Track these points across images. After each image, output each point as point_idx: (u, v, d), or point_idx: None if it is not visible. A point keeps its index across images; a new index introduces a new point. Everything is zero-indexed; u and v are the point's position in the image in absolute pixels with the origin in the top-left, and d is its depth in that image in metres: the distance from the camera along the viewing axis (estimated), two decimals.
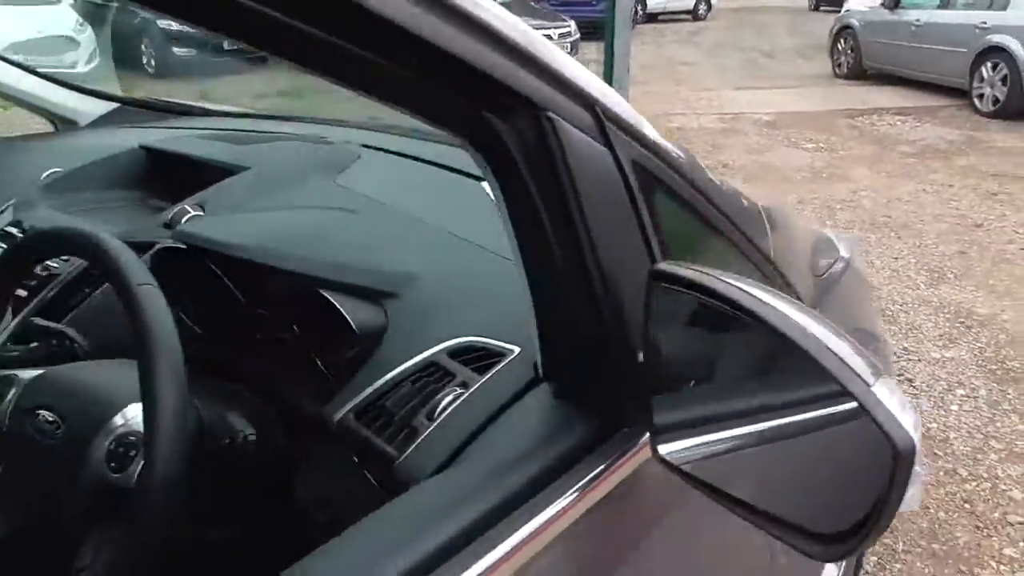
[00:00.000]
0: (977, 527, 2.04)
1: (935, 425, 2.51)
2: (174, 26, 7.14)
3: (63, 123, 1.64)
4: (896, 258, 3.98)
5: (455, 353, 0.75)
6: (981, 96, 7.60)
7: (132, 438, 0.68)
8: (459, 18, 0.47)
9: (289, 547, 0.85)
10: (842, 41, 10.08)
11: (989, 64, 7.48)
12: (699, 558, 0.74)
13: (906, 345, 3.05)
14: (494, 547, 0.52)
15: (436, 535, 0.51)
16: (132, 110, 1.65)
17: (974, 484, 2.22)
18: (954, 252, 4.07)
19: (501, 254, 0.91)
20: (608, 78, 6.73)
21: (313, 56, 0.46)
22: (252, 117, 1.70)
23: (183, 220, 0.97)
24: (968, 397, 2.68)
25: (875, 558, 1.92)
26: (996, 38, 7.35)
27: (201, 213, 1.00)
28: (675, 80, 9.77)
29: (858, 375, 0.45)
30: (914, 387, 2.74)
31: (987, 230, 4.41)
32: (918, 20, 8.52)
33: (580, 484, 0.59)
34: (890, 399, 0.45)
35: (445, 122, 0.57)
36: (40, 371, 0.78)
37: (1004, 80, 7.29)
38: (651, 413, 0.57)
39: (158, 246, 0.94)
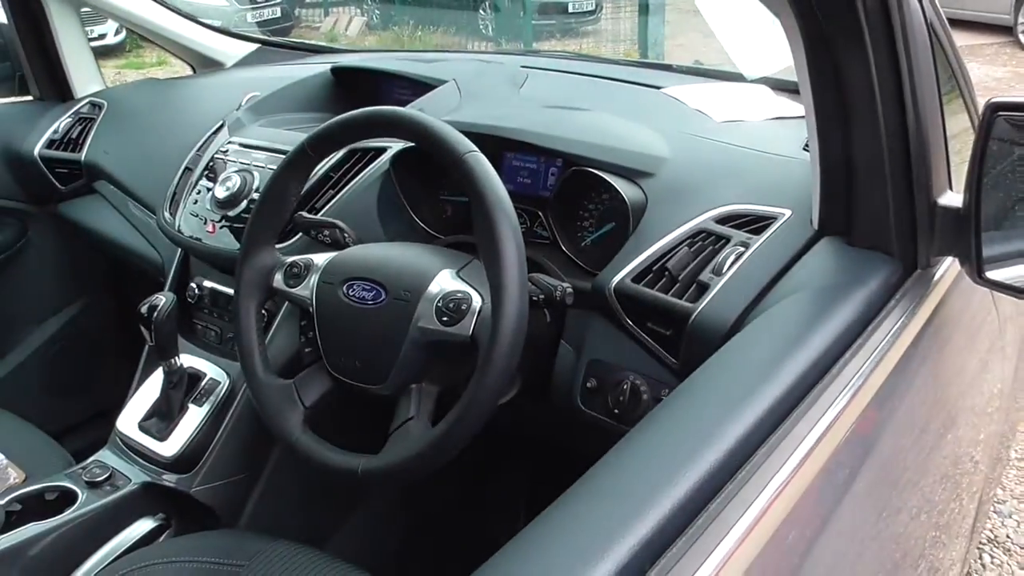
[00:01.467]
0: None
1: None
2: None
3: (204, 64, 1.70)
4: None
5: (724, 220, 0.81)
6: None
7: (459, 295, 0.75)
8: None
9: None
10: None
11: None
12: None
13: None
14: (846, 383, 0.57)
15: (779, 379, 0.56)
16: (270, 50, 1.71)
17: None
18: None
19: (725, 141, 0.97)
20: (644, 16, 6.65)
21: None
22: (391, 52, 1.75)
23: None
24: None
25: None
26: None
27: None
28: (703, 32, 9.63)
29: None
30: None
31: None
32: None
33: (895, 326, 0.64)
34: None
35: None
36: (332, 253, 0.85)
37: None
38: (978, 247, 0.63)
39: (397, 147, 1.00)
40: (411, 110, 0.84)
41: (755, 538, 0.43)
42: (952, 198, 0.70)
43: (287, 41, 1.79)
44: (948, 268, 0.76)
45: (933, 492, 0.77)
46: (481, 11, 7.73)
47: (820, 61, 0.66)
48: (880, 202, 0.69)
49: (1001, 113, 0.60)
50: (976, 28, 8.24)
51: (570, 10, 8.16)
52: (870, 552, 0.60)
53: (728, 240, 0.79)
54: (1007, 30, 7.73)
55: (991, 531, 1.78)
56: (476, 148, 0.73)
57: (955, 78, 0.88)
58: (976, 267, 0.64)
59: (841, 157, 0.70)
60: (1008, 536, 1.78)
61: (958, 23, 8.46)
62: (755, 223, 0.80)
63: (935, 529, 0.79)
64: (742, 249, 0.77)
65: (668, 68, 1.39)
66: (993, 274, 0.62)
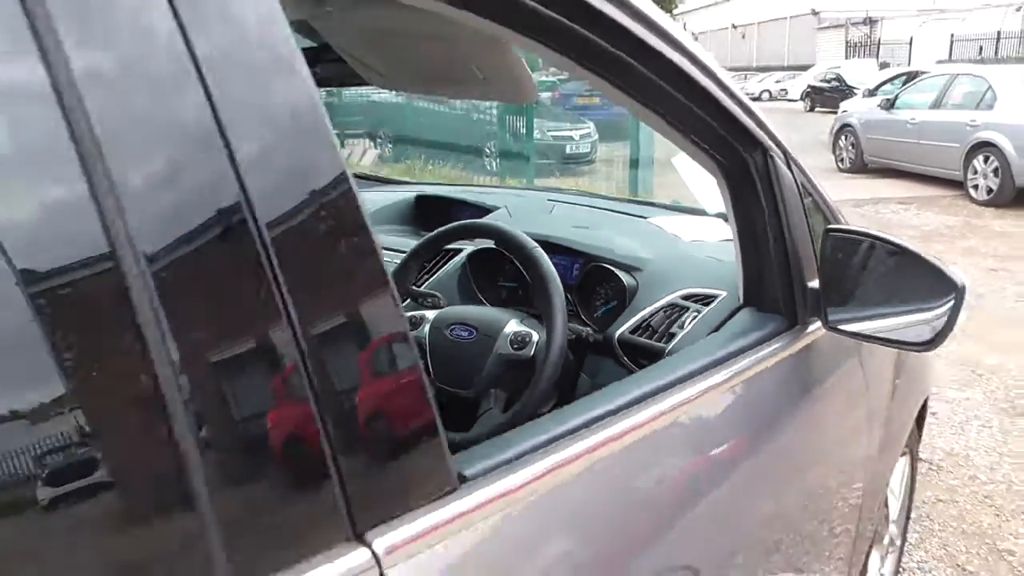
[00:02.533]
0: (997, 514, 2.51)
1: (958, 447, 3.00)
2: None
3: None
4: None
5: (685, 297, 1.30)
6: (976, 187, 8.31)
7: (524, 333, 1.22)
8: (724, 88, 1.01)
9: None
10: (843, 138, 10.93)
11: (981, 157, 8.22)
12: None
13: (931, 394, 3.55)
14: (717, 377, 1.01)
15: (681, 370, 1.01)
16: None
17: (992, 486, 2.69)
18: (959, 317, 4.60)
19: (688, 252, 1.47)
20: (634, 169, 7.53)
21: (654, 99, 0.97)
22: (445, 186, 2.30)
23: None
24: (989, 435, 3.15)
25: (916, 535, 2.38)
26: (985, 134, 8.11)
27: None
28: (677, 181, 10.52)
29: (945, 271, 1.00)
30: (943, 425, 3.21)
31: (987, 298, 4.96)
32: (913, 119, 9.34)
33: (772, 349, 1.11)
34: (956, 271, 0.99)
35: (707, 145, 1.11)
36: (436, 311, 1.33)
37: (995, 172, 8.01)
38: (826, 312, 1.11)
39: (471, 248, 1.50)
40: (495, 221, 1.34)
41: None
42: (815, 283, 1.18)
43: (371, 175, 2.34)
44: (817, 326, 1.23)
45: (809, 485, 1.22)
46: (486, 150, 8.55)
47: (737, 205, 1.16)
48: (776, 286, 1.18)
49: (832, 234, 1.10)
50: (931, 181, 9.15)
51: (568, 152, 9.04)
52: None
53: (687, 309, 1.28)
54: (959, 184, 8.60)
55: None
56: (536, 246, 1.23)
57: (821, 209, 1.36)
58: (825, 321, 1.11)
59: (754, 260, 1.19)
60: None
61: (915, 177, 9.40)
62: (705, 299, 1.29)
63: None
64: (696, 314, 1.26)
65: (652, 204, 1.92)
66: (836, 324, 1.10)
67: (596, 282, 1.41)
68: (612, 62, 0.82)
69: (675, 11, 30.15)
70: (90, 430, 0.40)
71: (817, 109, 22.39)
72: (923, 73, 10.68)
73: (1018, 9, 32.37)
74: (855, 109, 11.23)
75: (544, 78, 10.98)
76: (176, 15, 0.43)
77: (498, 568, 0.62)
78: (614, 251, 1.41)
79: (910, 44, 32.04)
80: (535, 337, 1.21)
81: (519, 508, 0.63)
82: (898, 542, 1.98)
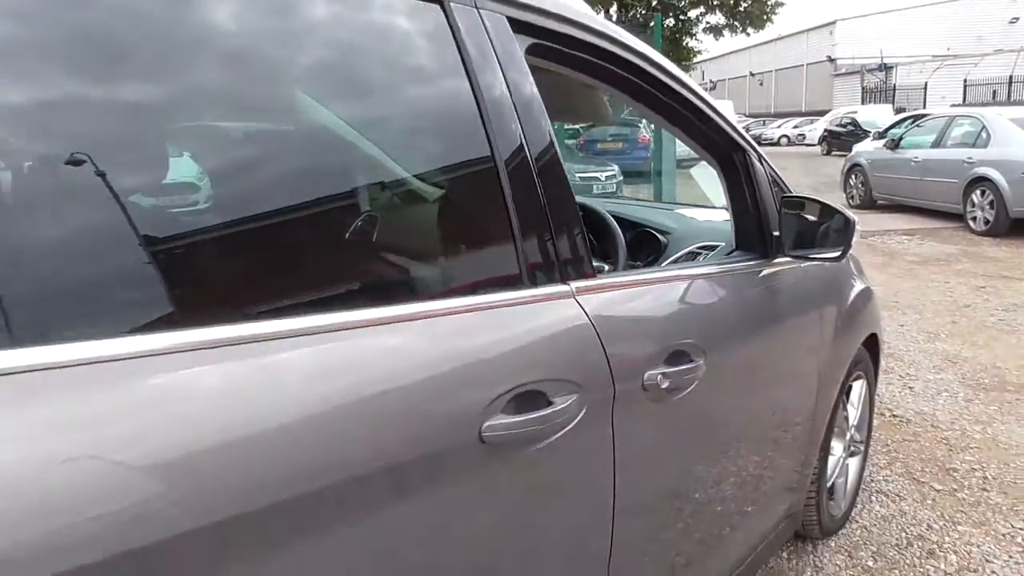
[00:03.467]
0: (949, 449, 3.22)
1: (926, 409, 3.71)
2: None
3: None
4: (902, 325, 5.24)
5: (699, 247, 2.08)
6: (974, 218, 9.03)
7: (599, 266, 2.01)
8: (720, 115, 1.81)
9: None
10: (853, 177, 11.70)
11: (978, 192, 8.95)
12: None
13: (908, 371, 4.27)
14: (720, 268, 1.81)
15: (699, 267, 1.81)
16: None
17: (949, 433, 3.40)
18: (947, 322, 5.32)
19: (698, 223, 2.26)
20: (658, 177, 8.44)
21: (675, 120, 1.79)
22: None
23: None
24: (953, 400, 3.86)
25: (885, 458, 3.10)
26: (981, 170, 8.86)
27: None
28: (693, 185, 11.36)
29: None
30: (916, 395, 3.93)
31: (973, 309, 5.67)
32: (916, 157, 10.12)
33: (752, 266, 1.89)
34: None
35: (709, 148, 1.90)
36: None
37: (991, 204, 8.73)
38: (782, 246, 1.88)
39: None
40: (584, 199, 2.14)
41: None
42: (777, 232, 1.96)
43: None
44: (781, 260, 2.00)
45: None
46: None
47: (729, 185, 1.95)
48: (754, 235, 1.96)
49: (785, 199, 1.88)
50: (934, 215, 9.87)
51: (595, 191, 9.88)
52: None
53: (700, 253, 2.06)
54: (959, 216, 9.32)
55: None
56: (609, 215, 2.03)
57: (781, 186, 2.13)
58: (781, 252, 1.89)
59: (740, 221, 1.97)
60: None
61: (919, 211, 10.13)
62: (711, 248, 2.07)
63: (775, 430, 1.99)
64: (708, 253, 2.04)
65: (677, 204, 2.72)
66: (787, 253, 1.88)
67: (641, 241, 2.19)
68: (657, 100, 1.63)
69: (695, 60, 31.31)
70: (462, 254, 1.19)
71: (834, 153, 23.19)
72: (927, 116, 11.48)
73: None
74: (864, 150, 12.03)
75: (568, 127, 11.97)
76: (475, 87, 1.21)
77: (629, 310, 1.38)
78: (652, 222, 2.20)
79: (925, 89, 32.91)
80: (606, 268, 1.99)
81: (624, 293, 1.41)
82: (862, 447, 2.71)
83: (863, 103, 33.59)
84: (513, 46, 1.25)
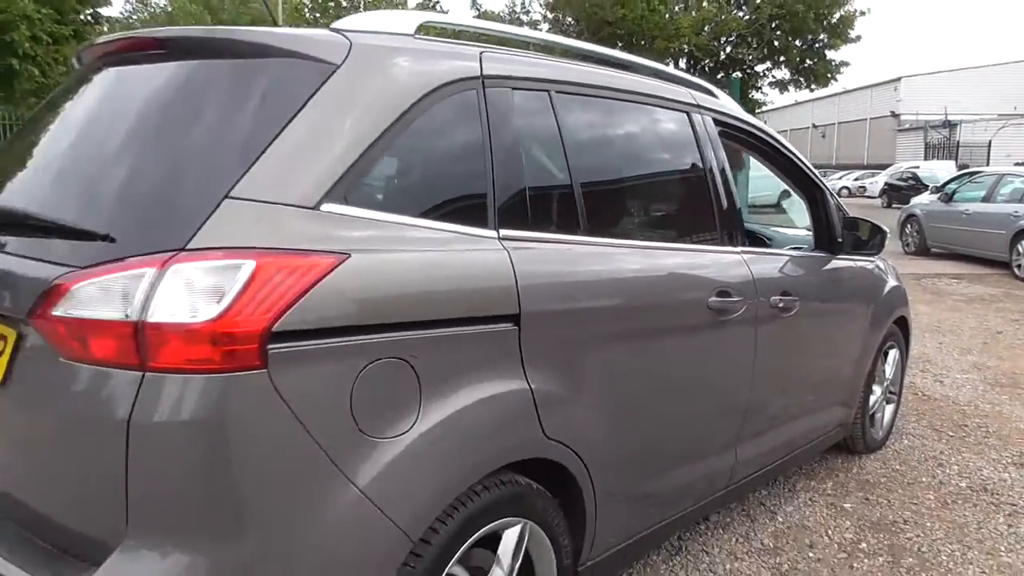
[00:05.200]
0: (963, 414, 4.40)
1: (951, 394, 4.87)
2: None
3: None
4: (940, 343, 6.37)
5: (790, 248, 3.35)
6: (1019, 266, 10.03)
7: None
8: (805, 164, 3.11)
9: None
10: (908, 226, 12.75)
11: (1023, 243, 9.97)
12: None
13: (941, 372, 5.42)
14: (801, 253, 3.11)
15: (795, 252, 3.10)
16: None
17: (966, 407, 4.57)
18: (980, 343, 6.43)
19: (788, 236, 3.55)
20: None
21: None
22: None
23: None
24: (973, 390, 5.00)
25: (914, 417, 4.29)
26: None
27: None
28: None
29: None
30: (944, 386, 5.08)
31: (1005, 334, 6.76)
32: (967, 210, 11.17)
33: (824, 257, 3.17)
34: None
35: (801, 189, 3.18)
36: None
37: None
38: (841, 249, 3.16)
39: None
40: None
41: None
42: (840, 240, 3.22)
43: None
44: (845, 258, 3.26)
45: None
46: None
47: (811, 212, 3.23)
48: (827, 241, 3.23)
49: (844, 219, 3.16)
50: (982, 262, 10.88)
51: None
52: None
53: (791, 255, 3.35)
54: (1006, 264, 10.32)
55: None
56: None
57: (842, 212, 3.40)
58: (841, 251, 3.17)
59: (817, 231, 3.24)
60: None
61: (968, 258, 11.14)
62: (798, 249, 3.36)
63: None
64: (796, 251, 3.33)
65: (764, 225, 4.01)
66: (843, 253, 3.16)
67: (754, 242, 3.47)
68: (775, 158, 2.97)
69: (757, 111, 32.52)
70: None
71: (894, 205, 23.99)
72: (980, 172, 12.49)
73: None
74: (920, 202, 13.08)
75: None
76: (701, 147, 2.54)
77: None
78: (761, 233, 3.49)
79: (988, 146, 33.38)
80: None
81: (761, 256, 2.71)
82: (895, 397, 3.92)
83: (926, 158, 34.20)
84: (714, 131, 2.59)
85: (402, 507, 1.53)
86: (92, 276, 1.39)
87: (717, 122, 2.63)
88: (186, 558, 1.36)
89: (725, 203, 2.56)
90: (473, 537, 1.69)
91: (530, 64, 2.02)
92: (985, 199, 11.03)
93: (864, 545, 2.87)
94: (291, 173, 1.48)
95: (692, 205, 2.60)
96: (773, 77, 28.68)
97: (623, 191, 2.39)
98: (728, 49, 29.35)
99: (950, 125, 37.87)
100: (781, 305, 2.66)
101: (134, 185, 1.54)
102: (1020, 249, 10.04)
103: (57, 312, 1.41)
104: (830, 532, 2.97)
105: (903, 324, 3.86)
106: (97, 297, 1.38)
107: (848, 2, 28.22)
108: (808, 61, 28.36)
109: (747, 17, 27.37)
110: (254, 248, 1.38)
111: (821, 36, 28.35)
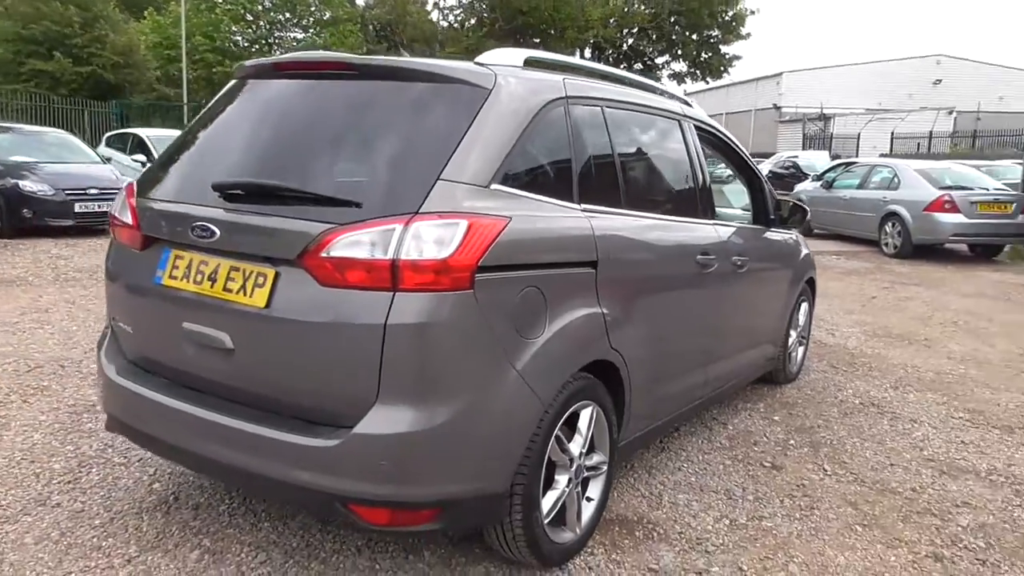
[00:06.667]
0: (852, 355, 5.57)
1: (842, 343, 6.06)
2: None
3: None
4: (829, 305, 7.64)
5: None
6: (887, 244, 11.65)
7: None
8: (753, 164, 4.09)
9: None
10: None
11: (890, 224, 11.59)
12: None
13: (832, 327, 6.64)
14: (742, 224, 4.10)
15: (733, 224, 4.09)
16: None
17: (854, 351, 5.76)
18: (859, 305, 7.75)
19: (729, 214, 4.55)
20: None
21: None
22: None
23: None
24: (857, 340, 6.22)
25: (817, 359, 5.43)
26: (892, 207, 11.50)
27: None
28: None
29: None
30: (836, 337, 6.28)
31: (878, 299, 8.14)
32: (845, 195, 12.76)
33: (760, 229, 4.17)
34: None
35: (745, 176, 4.16)
36: None
37: (899, 234, 11.36)
38: (775, 223, 4.17)
39: None
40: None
41: None
42: (774, 217, 4.23)
43: None
44: (776, 231, 4.27)
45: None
46: None
47: (751, 193, 4.22)
48: (763, 217, 4.23)
49: (777, 200, 4.15)
50: (857, 241, 12.51)
51: None
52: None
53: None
54: (875, 242, 11.95)
55: None
56: None
57: (774, 197, 4.41)
58: (775, 225, 4.17)
59: (755, 209, 4.24)
60: None
61: (846, 238, 12.75)
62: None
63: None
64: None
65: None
66: (777, 226, 4.17)
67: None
68: (730, 155, 3.93)
69: None
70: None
71: (777, 192, 26.02)
72: (855, 163, 14.18)
73: (949, 112, 37.25)
74: (804, 188, 14.68)
75: None
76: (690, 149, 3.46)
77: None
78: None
79: (858, 139, 36.45)
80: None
81: (727, 228, 3.66)
82: (806, 341, 5.01)
83: (804, 149, 36.91)
84: (696, 134, 3.51)
85: (539, 385, 2.36)
86: (354, 229, 2.12)
87: (695, 127, 3.55)
88: (416, 410, 2.13)
89: (704, 187, 3.48)
90: (570, 410, 2.54)
91: (590, 86, 2.86)
92: (860, 186, 12.64)
93: (792, 442, 3.90)
94: (474, 163, 2.26)
95: (685, 188, 3.51)
96: (672, 69, 30.38)
97: (645, 178, 3.28)
98: (630, 41, 30.88)
99: (825, 118, 40.94)
100: (738, 264, 3.63)
101: (371, 168, 2.29)
102: (887, 230, 11.66)
103: (326, 254, 2.13)
104: (767, 434, 3.98)
105: (811, 284, 4.95)
106: (360, 243, 2.11)
107: (740, 1, 30.27)
108: (704, 55, 30.24)
109: (650, 11, 28.88)
110: (464, 212, 2.16)
111: (716, 32, 30.28)
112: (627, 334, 2.78)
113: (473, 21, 29.78)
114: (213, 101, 2.82)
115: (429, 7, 33.89)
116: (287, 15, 28.12)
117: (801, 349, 4.99)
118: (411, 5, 44.45)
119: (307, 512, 2.82)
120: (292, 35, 28.58)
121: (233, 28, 26.77)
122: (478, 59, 2.57)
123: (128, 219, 2.59)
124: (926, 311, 7.53)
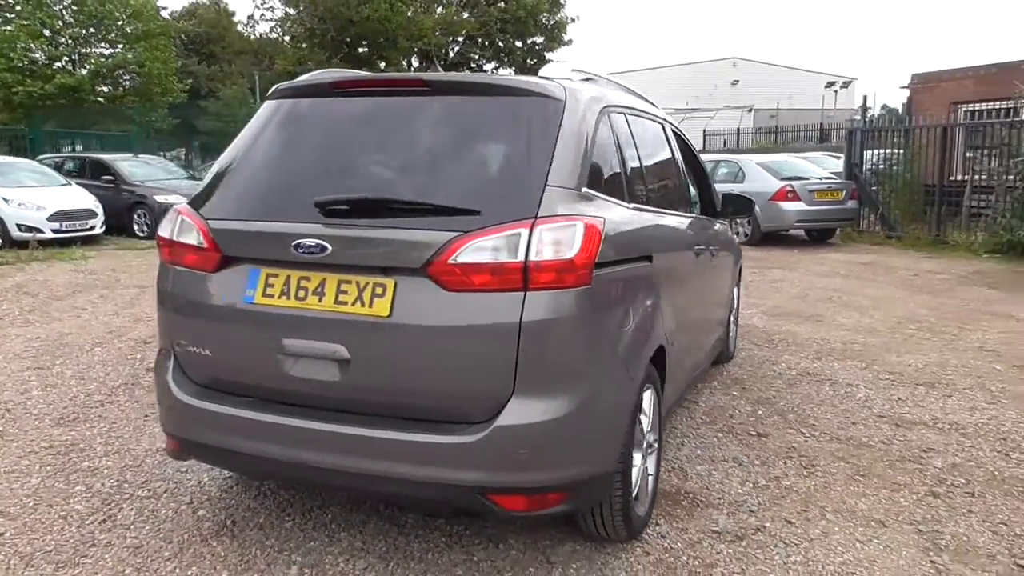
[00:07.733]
0: (769, 335, 6.18)
1: (750, 323, 6.67)
2: None
3: None
4: None
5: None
6: (737, 233, 12.78)
7: None
8: (703, 167, 4.48)
9: None
10: None
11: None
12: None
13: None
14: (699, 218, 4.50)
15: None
16: None
17: (764, 330, 6.38)
18: (741, 290, 8.52)
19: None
20: None
21: None
22: None
23: None
24: (762, 319, 6.87)
25: (741, 339, 5.98)
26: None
27: None
28: None
29: None
30: (743, 318, 6.89)
31: (755, 283, 8.97)
32: None
33: (711, 220, 4.59)
34: None
35: (696, 176, 4.56)
36: None
37: (749, 223, 12.50)
38: (719, 215, 4.59)
39: None
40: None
41: None
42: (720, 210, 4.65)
43: None
44: (722, 221, 4.70)
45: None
46: None
47: (700, 192, 4.62)
48: (711, 210, 4.64)
49: (724, 196, 4.58)
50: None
51: None
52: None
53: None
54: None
55: None
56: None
57: (717, 192, 4.85)
58: (722, 216, 4.60)
59: (704, 202, 4.64)
60: None
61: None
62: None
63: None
64: None
65: None
66: (723, 218, 4.59)
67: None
68: (687, 156, 4.30)
69: None
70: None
71: None
72: None
73: (749, 110, 41.06)
74: None
75: None
76: (672, 147, 3.77)
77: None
78: None
79: None
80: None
81: (700, 220, 4.00)
82: (737, 321, 5.51)
83: None
84: (672, 136, 3.83)
85: (634, 370, 2.55)
86: (481, 235, 2.21)
87: (673, 131, 3.87)
88: (548, 400, 2.26)
89: (687, 183, 3.81)
90: (643, 394, 2.74)
91: (618, 95, 3.08)
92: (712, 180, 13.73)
93: (760, 412, 4.32)
94: (568, 169, 2.41)
95: (679, 184, 3.81)
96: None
97: (659, 176, 3.54)
98: (456, 48, 31.45)
99: None
100: (712, 251, 4.00)
101: (484, 179, 2.37)
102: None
103: (454, 260, 2.20)
104: (737, 407, 4.39)
105: (740, 270, 5.46)
106: (489, 247, 2.20)
107: (561, 9, 31.64)
108: (530, 61, 31.33)
109: (479, 20, 29.50)
110: (577, 215, 2.30)
111: (540, 39, 31.50)
112: (668, 319, 3.03)
113: (302, 31, 29.04)
114: (256, 121, 2.75)
115: (247, 21, 32.52)
116: (91, 29, 25.84)
117: (735, 328, 5.49)
118: (226, 19, 42.46)
119: (422, 510, 2.90)
120: (98, 51, 26.35)
121: (32, 45, 24.23)
122: (542, 72, 2.71)
123: (197, 240, 2.48)
124: (799, 291, 8.42)
